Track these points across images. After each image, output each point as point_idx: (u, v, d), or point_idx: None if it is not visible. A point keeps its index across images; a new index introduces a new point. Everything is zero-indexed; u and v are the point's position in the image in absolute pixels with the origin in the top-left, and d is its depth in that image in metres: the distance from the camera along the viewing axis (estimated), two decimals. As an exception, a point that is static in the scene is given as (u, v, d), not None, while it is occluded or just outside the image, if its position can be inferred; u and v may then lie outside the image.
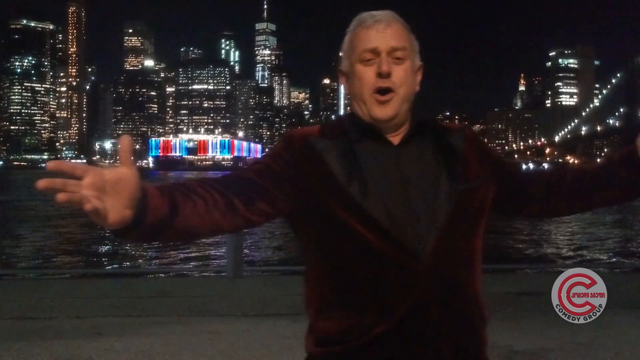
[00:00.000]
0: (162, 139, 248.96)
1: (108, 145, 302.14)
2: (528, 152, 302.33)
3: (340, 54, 1.28)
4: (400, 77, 1.18)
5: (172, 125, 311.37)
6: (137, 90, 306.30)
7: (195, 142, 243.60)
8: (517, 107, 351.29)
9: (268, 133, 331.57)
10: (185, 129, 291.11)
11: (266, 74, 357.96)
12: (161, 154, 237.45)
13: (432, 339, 1.14)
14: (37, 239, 16.48)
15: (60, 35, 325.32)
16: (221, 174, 1.17)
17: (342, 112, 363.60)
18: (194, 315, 4.94)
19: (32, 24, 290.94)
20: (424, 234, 1.14)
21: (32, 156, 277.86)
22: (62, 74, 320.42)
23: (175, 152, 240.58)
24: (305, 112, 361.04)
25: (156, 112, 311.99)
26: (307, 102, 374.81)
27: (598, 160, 1.63)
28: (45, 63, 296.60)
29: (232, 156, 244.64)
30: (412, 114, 1.23)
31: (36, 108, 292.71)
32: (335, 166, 1.16)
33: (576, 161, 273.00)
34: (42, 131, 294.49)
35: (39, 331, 4.41)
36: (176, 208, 1.03)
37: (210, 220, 1.08)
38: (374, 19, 1.21)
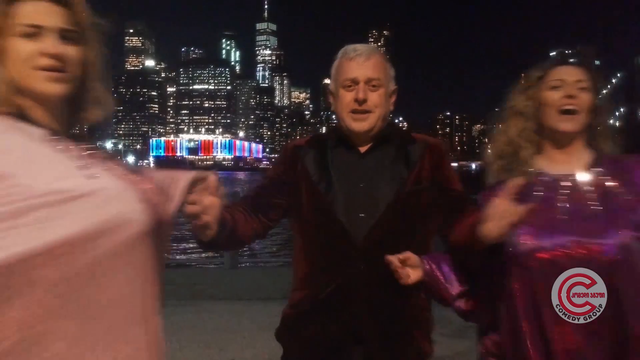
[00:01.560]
0: (164, 138, 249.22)
1: (109, 145, 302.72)
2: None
3: (328, 79, 1.60)
4: (375, 101, 1.50)
5: (172, 125, 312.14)
6: (138, 90, 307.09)
7: (197, 142, 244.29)
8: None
9: (269, 133, 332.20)
10: (186, 129, 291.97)
11: (267, 73, 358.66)
12: (166, 154, 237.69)
13: (356, 318, 1.43)
14: None
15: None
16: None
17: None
18: (194, 299, 5.62)
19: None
20: (364, 225, 1.43)
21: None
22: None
23: (183, 152, 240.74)
24: (306, 112, 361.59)
25: (157, 112, 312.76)
26: (307, 102, 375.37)
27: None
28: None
29: (233, 156, 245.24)
30: (387, 127, 1.53)
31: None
32: (311, 167, 1.51)
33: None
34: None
35: None
36: (235, 221, 1.44)
37: (250, 229, 1.53)
38: (356, 53, 1.51)
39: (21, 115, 1.01)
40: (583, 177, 1.37)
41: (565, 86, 1.37)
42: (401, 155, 1.51)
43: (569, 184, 1.36)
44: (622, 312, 1.32)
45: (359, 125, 1.50)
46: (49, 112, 1.05)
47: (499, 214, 1.21)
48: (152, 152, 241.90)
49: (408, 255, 1.40)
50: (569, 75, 1.38)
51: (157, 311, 1.02)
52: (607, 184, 1.34)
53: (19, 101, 1.01)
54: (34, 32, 1.01)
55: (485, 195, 1.42)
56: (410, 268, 1.40)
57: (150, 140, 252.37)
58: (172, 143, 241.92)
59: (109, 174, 1.02)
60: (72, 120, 1.12)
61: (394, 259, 1.38)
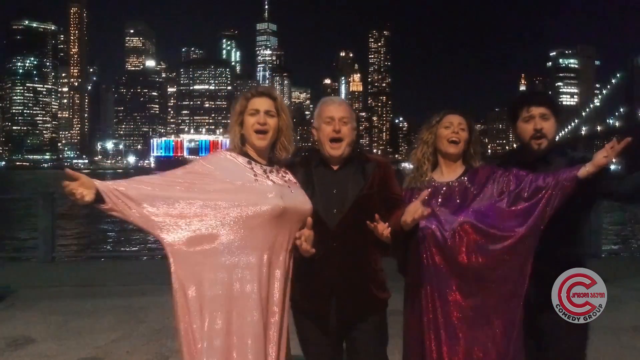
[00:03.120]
0: (173, 138, 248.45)
1: (110, 145, 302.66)
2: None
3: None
4: (345, 132, 2.29)
5: (173, 126, 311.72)
6: (139, 90, 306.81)
7: (197, 143, 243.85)
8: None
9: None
10: (186, 129, 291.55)
11: (267, 74, 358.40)
12: (175, 155, 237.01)
13: (331, 278, 2.24)
14: (88, 229, 18.89)
15: (61, 36, 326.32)
16: None
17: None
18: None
19: (34, 25, 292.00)
20: (336, 217, 2.24)
21: (34, 156, 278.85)
22: (63, 75, 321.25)
23: (184, 153, 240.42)
24: (307, 112, 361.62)
25: (157, 112, 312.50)
26: (308, 102, 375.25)
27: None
28: (47, 63, 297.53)
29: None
30: (351, 152, 2.33)
31: (38, 108, 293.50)
32: (300, 180, 2.29)
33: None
34: (44, 131, 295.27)
35: (101, 293, 6.13)
36: None
37: None
38: (332, 101, 2.36)
39: (243, 153, 2.19)
40: (455, 182, 2.35)
41: (452, 127, 2.36)
42: (360, 170, 2.30)
43: (445, 188, 2.34)
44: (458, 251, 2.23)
45: (335, 152, 2.28)
46: (257, 153, 2.21)
47: (412, 210, 2.07)
48: (161, 153, 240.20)
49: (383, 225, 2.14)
50: (455, 119, 2.37)
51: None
52: (466, 185, 2.31)
53: (244, 147, 2.20)
54: (255, 112, 2.17)
55: (406, 195, 2.37)
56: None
57: (156, 140, 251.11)
58: (180, 143, 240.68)
59: (273, 182, 2.13)
60: (271, 156, 2.25)
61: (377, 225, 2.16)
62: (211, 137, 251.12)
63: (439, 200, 2.30)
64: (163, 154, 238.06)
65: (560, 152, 2.42)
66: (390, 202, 2.27)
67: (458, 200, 2.27)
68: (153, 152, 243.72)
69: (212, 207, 1.98)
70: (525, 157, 2.40)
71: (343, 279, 2.22)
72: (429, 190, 2.21)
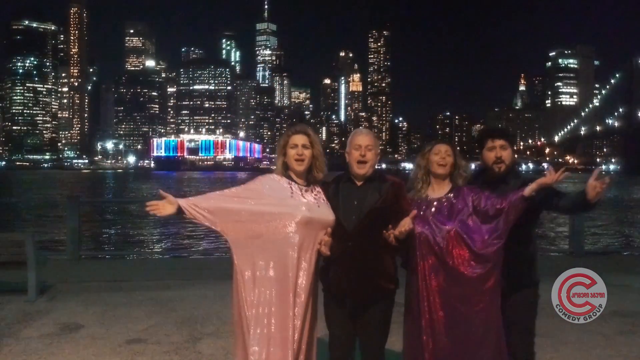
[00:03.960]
0: (178, 138, 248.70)
1: (110, 145, 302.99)
2: (528, 152, 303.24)
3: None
4: (369, 157, 2.92)
5: (173, 126, 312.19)
6: (139, 90, 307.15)
7: (197, 142, 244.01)
8: (517, 107, 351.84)
9: (269, 133, 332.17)
10: (186, 129, 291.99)
11: (267, 74, 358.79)
12: (179, 155, 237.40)
13: (350, 269, 2.85)
14: (120, 228, 19.66)
15: (61, 36, 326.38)
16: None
17: (342, 111, 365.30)
18: (226, 279, 6.42)
19: (34, 25, 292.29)
20: (354, 222, 2.84)
21: (34, 156, 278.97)
22: (63, 75, 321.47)
23: (202, 152, 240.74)
24: (306, 112, 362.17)
25: (157, 112, 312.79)
26: (307, 102, 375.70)
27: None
28: (47, 63, 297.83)
29: (233, 156, 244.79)
30: (373, 172, 2.95)
31: (38, 108, 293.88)
32: (331, 193, 2.95)
33: (576, 161, 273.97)
34: (44, 131, 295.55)
35: (130, 287, 6.68)
36: None
37: None
38: (360, 132, 3.01)
39: (286, 176, 2.90)
40: (443, 198, 3.00)
41: (440, 153, 3.02)
42: (377, 188, 2.91)
43: (436, 202, 2.99)
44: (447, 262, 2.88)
45: (360, 171, 2.92)
46: (297, 175, 2.90)
47: (402, 224, 2.79)
48: (162, 152, 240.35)
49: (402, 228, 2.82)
50: (443, 148, 3.04)
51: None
52: (452, 201, 2.97)
53: (287, 172, 2.92)
54: (295, 146, 2.88)
55: (411, 205, 2.99)
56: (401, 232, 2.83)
57: (156, 140, 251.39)
58: (182, 143, 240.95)
59: (305, 198, 2.83)
60: (310, 177, 2.94)
61: (391, 232, 2.81)
62: (212, 137, 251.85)
63: (432, 211, 2.97)
64: (166, 154, 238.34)
65: (516, 174, 3.16)
66: (400, 215, 2.86)
67: (446, 213, 2.94)
68: (153, 152, 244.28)
69: (259, 214, 2.76)
70: (489, 178, 3.13)
71: (356, 271, 2.84)
72: (415, 211, 2.92)
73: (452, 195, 3.01)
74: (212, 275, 7.18)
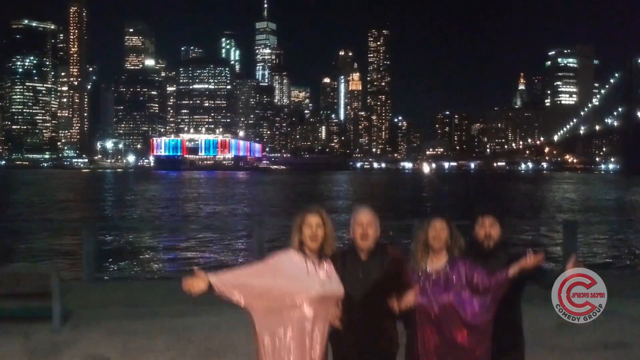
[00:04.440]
0: (181, 138, 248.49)
1: (109, 144, 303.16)
2: (527, 152, 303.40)
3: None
4: (370, 233, 3.28)
5: (172, 125, 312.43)
6: (138, 89, 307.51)
7: (197, 142, 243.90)
8: (516, 106, 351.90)
9: (268, 132, 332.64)
10: (186, 128, 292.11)
11: (267, 73, 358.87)
12: (182, 154, 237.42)
13: (356, 335, 3.23)
14: (122, 252, 18.59)
15: (61, 35, 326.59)
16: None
17: (342, 110, 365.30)
18: (237, 306, 6.83)
19: (34, 24, 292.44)
20: (359, 293, 3.22)
21: (34, 155, 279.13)
22: (63, 74, 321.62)
23: (202, 152, 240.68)
24: (306, 111, 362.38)
25: (157, 111, 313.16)
26: (307, 101, 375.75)
27: None
28: (47, 63, 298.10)
29: (233, 156, 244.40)
30: (375, 246, 3.30)
31: (38, 108, 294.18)
32: (339, 266, 3.25)
33: (575, 160, 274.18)
34: (44, 131, 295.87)
35: (147, 314, 6.97)
36: None
37: None
38: (362, 210, 3.36)
39: (302, 252, 3.19)
40: (440, 270, 3.35)
41: (436, 229, 3.39)
42: (380, 263, 3.29)
43: (434, 275, 3.34)
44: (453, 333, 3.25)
45: (363, 245, 3.29)
46: (311, 251, 3.19)
47: (405, 300, 3.20)
48: (164, 152, 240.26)
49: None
50: (439, 224, 3.39)
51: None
52: (448, 274, 3.31)
53: (303, 247, 3.20)
54: (309, 226, 3.21)
55: (412, 275, 3.38)
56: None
57: (156, 139, 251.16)
58: (185, 143, 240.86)
59: (319, 275, 3.14)
60: (321, 252, 3.20)
61: (395, 304, 3.20)
62: (211, 137, 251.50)
63: (430, 284, 3.35)
64: (169, 154, 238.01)
65: (505, 248, 3.57)
66: (401, 287, 3.29)
67: (443, 285, 3.31)
68: (154, 152, 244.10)
69: (278, 290, 3.06)
70: (480, 251, 3.53)
71: (362, 336, 3.24)
72: (417, 287, 3.30)
73: (448, 267, 3.35)
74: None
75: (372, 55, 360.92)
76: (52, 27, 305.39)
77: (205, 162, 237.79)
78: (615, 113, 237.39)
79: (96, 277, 8.65)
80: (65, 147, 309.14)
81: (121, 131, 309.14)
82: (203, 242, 19.07)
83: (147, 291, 8.37)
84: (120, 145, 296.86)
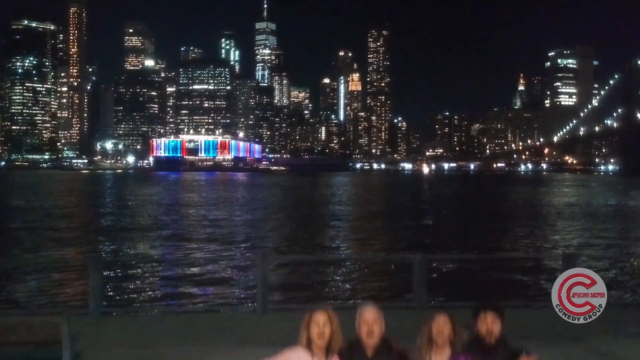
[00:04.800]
0: (173, 139, 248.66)
1: (109, 145, 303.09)
2: (527, 153, 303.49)
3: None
4: (375, 330, 3.59)
5: (172, 125, 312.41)
6: (138, 90, 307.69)
7: (197, 143, 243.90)
8: (516, 107, 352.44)
9: (268, 133, 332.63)
10: (185, 129, 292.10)
11: (266, 73, 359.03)
12: (182, 155, 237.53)
13: None
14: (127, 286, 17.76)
15: (61, 36, 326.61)
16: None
17: (341, 111, 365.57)
18: (243, 344, 6.85)
19: (34, 25, 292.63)
20: None
21: (34, 156, 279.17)
22: (63, 74, 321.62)
23: (202, 153, 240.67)
24: (306, 112, 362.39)
25: (157, 112, 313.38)
26: (307, 101, 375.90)
27: None
28: (47, 63, 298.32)
29: (232, 157, 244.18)
30: (381, 343, 3.60)
31: (37, 108, 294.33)
32: None
33: (574, 161, 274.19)
34: (44, 131, 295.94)
35: (155, 356, 6.87)
36: None
37: None
38: (367, 308, 3.68)
39: (309, 350, 3.52)
40: None
41: (439, 324, 3.61)
42: (385, 357, 3.48)
43: None
44: None
45: (369, 341, 3.48)
46: (318, 349, 3.53)
47: None
48: (163, 153, 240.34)
49: None
50: (441, 319, 3.64)
51: None
52: None
53: (311, 345, 3.54)
54: (317, 324, 3.54)
55: None
56: None
57: (156, 140, 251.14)
58: (185, 144, 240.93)
59: None
60: (328, 349, 3.53)
61: None
62: (211, 137, 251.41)
63: None
64: (169, 155, 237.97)
65: (504, 343, 3.77)
66: None
67: None
68: (153, 152, 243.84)
69: None
70: (482, 346, 3.72)
71: None
72: None
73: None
74: (232, 337, 7.50)
75: (371, 55, 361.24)
76: (52, 27, 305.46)
77: (205, 163, 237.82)
78: (614, 114, 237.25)
79: (103, 311, 8.69)
80: (65, 148, 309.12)
81: (121, 132, 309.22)
82: (206, 273, 18.95)
83: (152, 329, 8.29)
84: (120, 146, 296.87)
